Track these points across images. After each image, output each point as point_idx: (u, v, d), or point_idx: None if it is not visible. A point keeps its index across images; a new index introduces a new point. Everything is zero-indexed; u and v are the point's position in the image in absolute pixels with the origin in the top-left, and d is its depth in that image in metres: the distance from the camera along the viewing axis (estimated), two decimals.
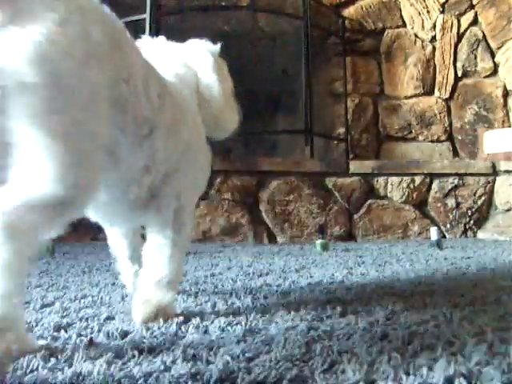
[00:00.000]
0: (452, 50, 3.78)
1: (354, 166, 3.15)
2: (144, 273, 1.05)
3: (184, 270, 1.66)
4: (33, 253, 0.71)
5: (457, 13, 3.80)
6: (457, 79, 3.79)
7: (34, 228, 0.70)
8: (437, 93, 3.76)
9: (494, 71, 3.79)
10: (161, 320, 0.94)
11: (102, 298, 1.19)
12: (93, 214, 1.04)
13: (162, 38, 1.29)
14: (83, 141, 0.75)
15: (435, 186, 3.22)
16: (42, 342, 0.81)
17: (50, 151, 0.70)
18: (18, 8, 0.70)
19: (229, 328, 0.90)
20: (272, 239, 3.02)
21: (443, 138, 3.74)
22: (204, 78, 1.23)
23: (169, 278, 1.03)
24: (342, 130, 3.61)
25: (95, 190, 0.79)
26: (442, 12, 3.79)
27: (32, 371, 0.68)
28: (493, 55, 3.79)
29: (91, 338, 0.83)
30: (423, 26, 3.79)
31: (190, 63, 1.24)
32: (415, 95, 3.74)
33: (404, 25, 3.80)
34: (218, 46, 1.32)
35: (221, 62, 1.31)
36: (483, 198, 3.24)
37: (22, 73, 0.68)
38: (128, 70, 0.87)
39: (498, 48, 3.78)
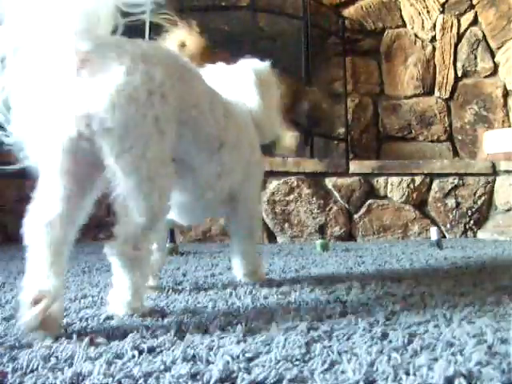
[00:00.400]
0: (452, 50, 3.78)
1: (354, 166, 3.15)
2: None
3: (185, 270, 1.66)
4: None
5: (457, 13, 3.80)
6: (457, 79, 3.79)
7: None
8: (437, 93, 3.76)
9: (494, 71, 3.79)
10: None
11: (102, 298, 1.19)
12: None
13: (221, 64, 1.48)
14: (154, 171, 0.94)
15: (435, 185, 3.22)
16: (47, 343, 0.81)
17: (129, 182, 0.93)
18: (97, 64, 0.89)
19: (229, 328, 0.90)
20: (272, 239, 3.02)
21: (443, 138, 3.74)
22: (247, 93, 1.41)
23: (247, 269, 1.43)
24: (342, 130, 3.61)
25: (168, 203, 1.02)
26: (442, 12, 3.79)
27: (32, 371, 0.68)
28: (493, 55, 3.79)
29: (91, 338, 0.83)
30: (423, 26, 3.79)
31: (239, 82, 1.42)
32: (415, 95, 3.74)
33: (404, 25, 3.80)
34: (265, 64, 1.49)
35: (267, 77, 1.47)
36: (483, 198, 3.25)
37: (103, 119, 0.88)
38: (195, 97, 1.07)
39: (498, 48, 3.78)
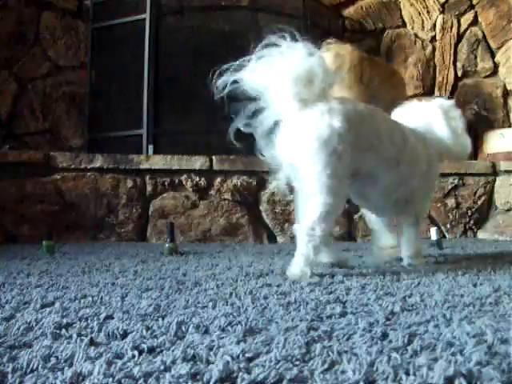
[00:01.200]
0: (452, 50, 3.79)
1: None
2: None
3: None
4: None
5: (457, 13, 3.80)
6: (457, 79, 3.79)
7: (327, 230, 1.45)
8: (437, 93, 3.76)
9: (494, 71, 3.79)
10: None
11: (101, 298, 1.19)
12: (367, 208, 1.91)
13: (415, 102, 1.94)
14: (331, 182, 1.42)
15: (435, 186, 3.21)
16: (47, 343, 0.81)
17: (311, 188, 1.45)
18: (301, 117, 1.44)
19: (229, 328, 0.90)
20: (272, 239, 3.02)
21: None
22: (437, 124, 1.81)
23: (410, 252, 1.77)
24: None
25: (341, 211, 1.58)
26: (442, 12, 3.79)
27: (32, 371, 0.68)
28: (493, 55, 3.79)
29: (91, 338, 0.83)
30: (423, 26, 3.79)
31: (430, 116, 1.83)
32: (415, 95, 3.74)
33: (404, 25, 3.81)
34: (451, 101, 1.90)
35: (452, 111, 1.86)
36: (483, 198, 3.24)
37: (300, 151, 1.45)
38: (376, 130, 1.56)
39: (498, 48, 3.78)
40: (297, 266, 1.44)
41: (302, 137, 1.43)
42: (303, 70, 1.43)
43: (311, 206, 1.44)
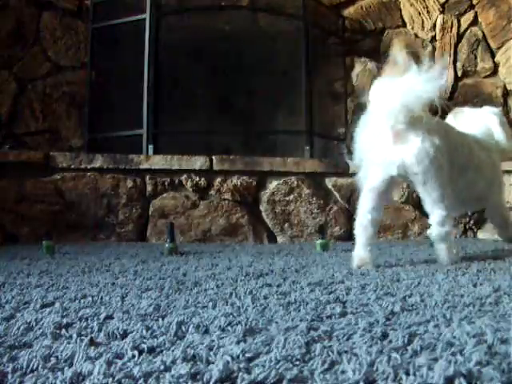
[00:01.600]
0: (452, 50, 3.78)
1: (354, 166, 3.14)
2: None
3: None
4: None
5: (457, 13, 3.79)
6: (457, 79, 3.79)
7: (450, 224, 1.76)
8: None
9: (494, 71, 3.79)
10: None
11: (101, 298, 1.19)
12: None
13: (467, 109, 2.24)
14: (443, 190, 1.74)
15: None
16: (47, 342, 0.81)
17: (431, 197, 1.74)
18: (404, 136, 1.70)
19: (229, 328, 0.90)
20: (272, 239, 3.01)
21: None
22: (494, 130, 2.11)
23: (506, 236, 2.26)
24: (342, 130, 3.61)
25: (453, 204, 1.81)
26: (442, 12, 3.79)
27: (32, 371, 0.68)
28: (493, 55, 3.79)
29: (91, 338, 0.83)
30: (423, 26, 3.79)
31: (488, 123, 2.13)
32: None
33: (404, 25, 3.80)
34: (498, 109, 2.28)
35: (503, 117, 2.19)
36: None
37: (413, 168, 1.71)
38: (454, 143, 1.84)
39: (498, 48, 3.77)
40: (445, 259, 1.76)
41: (416, 151, 1.69)
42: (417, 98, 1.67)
43: (432, 210, 1.75)
